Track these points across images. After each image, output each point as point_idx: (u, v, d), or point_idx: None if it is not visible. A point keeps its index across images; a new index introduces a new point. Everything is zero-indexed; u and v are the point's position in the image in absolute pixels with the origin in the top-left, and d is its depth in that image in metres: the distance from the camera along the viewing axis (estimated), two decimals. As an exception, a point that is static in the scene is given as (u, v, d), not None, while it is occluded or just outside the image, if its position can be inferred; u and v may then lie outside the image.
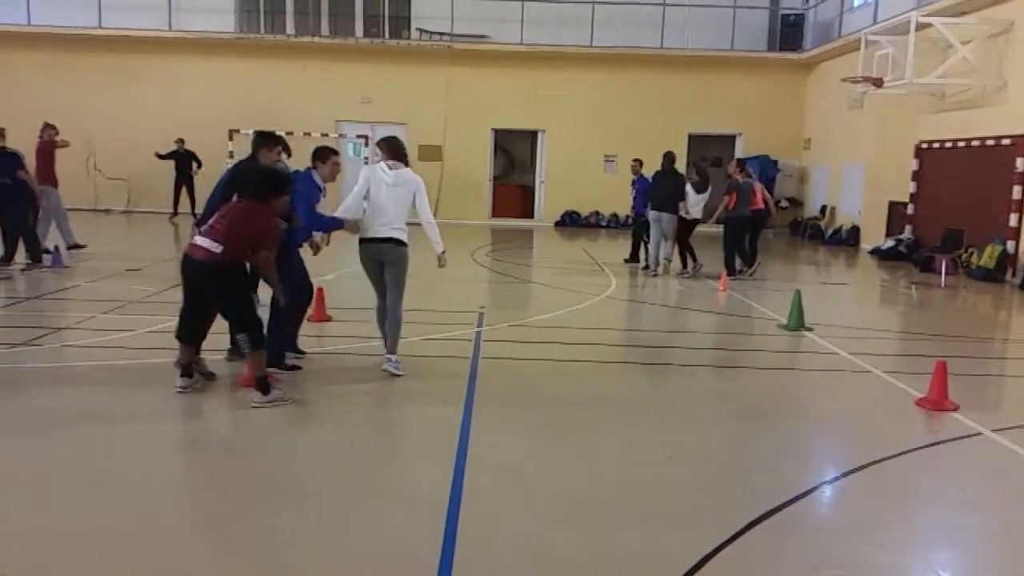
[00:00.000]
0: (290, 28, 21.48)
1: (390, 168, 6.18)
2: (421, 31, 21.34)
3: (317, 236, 6.36)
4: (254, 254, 5.37)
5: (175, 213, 19.51)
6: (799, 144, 21.87)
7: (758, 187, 13.00)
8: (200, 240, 5.32)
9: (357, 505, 4.03)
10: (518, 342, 7.71)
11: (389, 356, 6.26)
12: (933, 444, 5.30)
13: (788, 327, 8.63)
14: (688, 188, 12.67)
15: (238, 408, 5.51)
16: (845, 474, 4.72)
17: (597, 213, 21.94)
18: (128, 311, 8.47)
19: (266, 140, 6.38)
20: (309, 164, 6.34)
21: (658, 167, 12.72)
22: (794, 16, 21.52)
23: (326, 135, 19.86)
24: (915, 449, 5.12)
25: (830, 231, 19.39)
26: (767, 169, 20.57)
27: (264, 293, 5.86)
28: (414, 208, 6.25)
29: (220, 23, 20.87)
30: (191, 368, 5.66)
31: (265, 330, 5.58)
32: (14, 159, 10.80)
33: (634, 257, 13.85)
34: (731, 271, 12.21)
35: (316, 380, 6.19)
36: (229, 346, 6.40)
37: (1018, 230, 13.05)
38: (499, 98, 21.29)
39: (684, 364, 7.27)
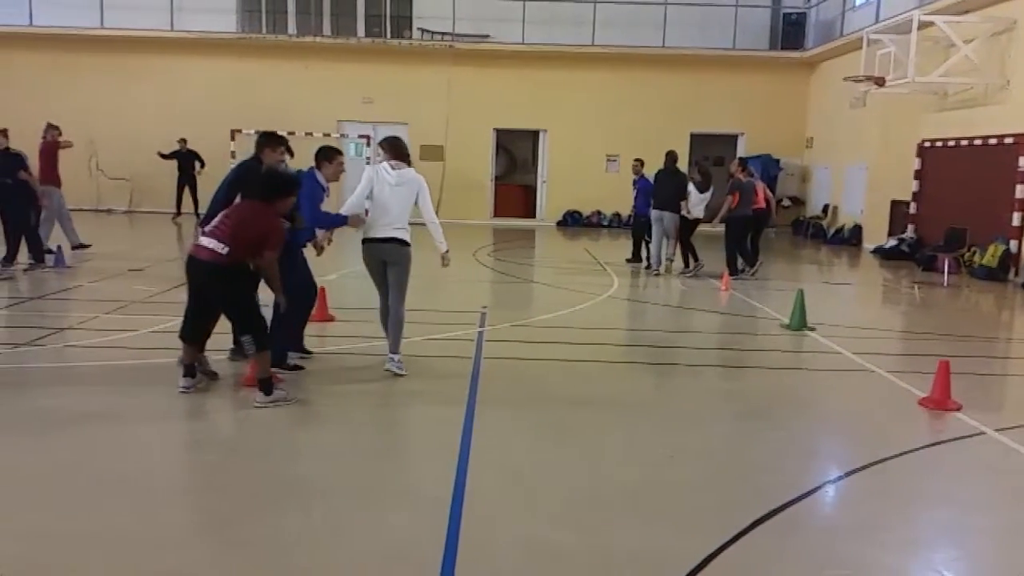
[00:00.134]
0: (292, 28, 21.49)
1: (393, 168, 6.19)
2: (423, 31, 21.34)
3: (320, 234, 6.36)
4: (258, 255, 5.37)
5: (178, 213, 19.53)
6: (801, 143, 21.85)
7: (760, 186, 12.99)
8: (205, 241, 5.32)
9: (360, 505, 4.04)
10: (520, 342, 7.71)
11: (392, 356, 6.27)
12: (936, 444, 5.29)
13: (791, 327, 8.62)
14: (690, 188, 12.66)
15: (241, 408, 5.52)
16: (848, 474, 4.72)
17: (599, 213, 21.93)
18: (131, 311, 8.48)
19: (270, 140, 6.38)
20: (312, 164, 6.36)
21: (660, 166, 12.71)
22: (796, 15, 21.50)
23: (328, 135, 19.87)
24: (918, 449, 5.12)
25: (832, 230, 19.37)
26: (769, 168, 20.55)
27: (264, 294, 5.86)
28: (416, 208, 6.25)
29: (222, 23, 20.87)
30: (194, 368, 5.67)
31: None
32: (17, 159, 10.82)
33: (636, 257, 13.85)
34: (733, 271, 12.20)
35: (319, 380, 6.19)
36: (232, 346, 6.41)
37: (1021, 229, 13.02)
38: (501, 98, 21.29)
39: (686, 364, 7.26)
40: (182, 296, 5.71)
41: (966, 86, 14.36)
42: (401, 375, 6.21)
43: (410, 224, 6.22)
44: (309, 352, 6.71)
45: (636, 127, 20.65)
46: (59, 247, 11.43)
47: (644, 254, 13.55)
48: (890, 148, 17.18)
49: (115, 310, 8.50)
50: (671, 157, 12.71)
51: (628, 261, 13.94)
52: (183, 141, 19.40)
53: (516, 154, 23.86)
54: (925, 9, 14.57)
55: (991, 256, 13.17)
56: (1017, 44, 13.31)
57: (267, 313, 5.67)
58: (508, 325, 8.42)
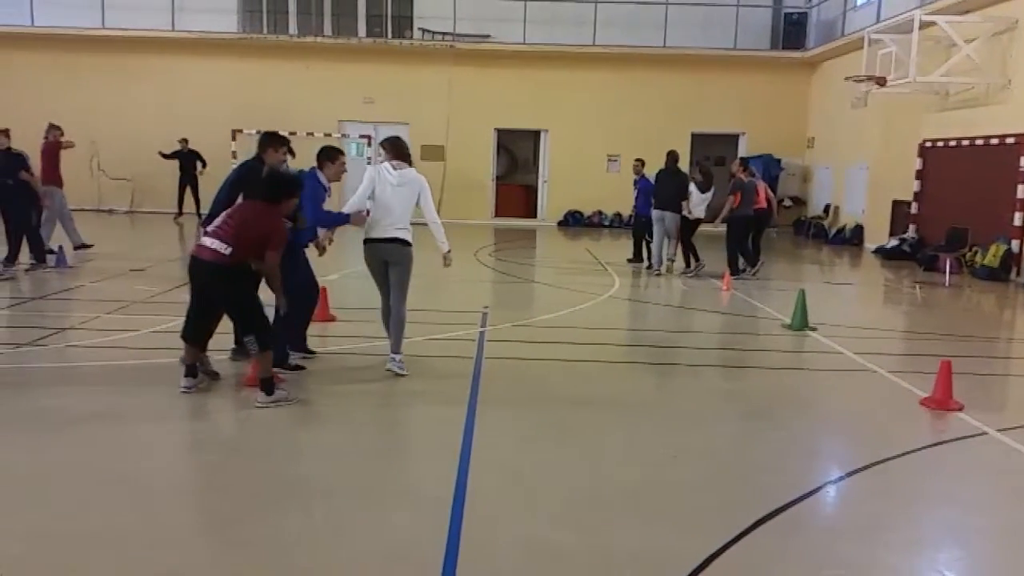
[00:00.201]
0: (293, 28, 21.49)
1: (395, 168, 6.19)
2: (424, 31, 21.34)
3: (322, 234, 6.36)
4: (260, 256, 5.37)
5: (180, 213, 19.54)
6: (802, 143, 21.84)
7: (761, 186, 12.98)
8: (208, 241, 5.33)
9: (361, 505, 4.04)
10: (522, 342, 7.71)
11: (393, 356, 6.27)
12: (938, 444, 5.29)
13: (792, 327, 8.61)
14: (692, 188, 12.66)
15: (242, 408, 5.52)
16: (850, 474, 4.71)
17: (600, 213, 21.92)
18: (132, 311, 8.48)
19: (272, 140, 6.39)
20: (313, 164, 6.36)
21: (661, 166, 12.70)
22: (797, 15, 21.49)
23: (329, 135, 19.87)
24: (920, 449, 5.11)
25: (834, 230, 19.36)
26: (770, 168, 20.55)
27: (264, 294, 5.85)
28: (418, 208, 6.25)
29: (223, 23, 20.87)
30: (196, 368, 5.67)
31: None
32: (18, 160, 10.82)
33: (637, 257, 13.84)
34: (734, 270, 12.20)
35: (320, 380, 6.19)
36: (233, 346, 6.41)
37: (1022, 229, 13.01)
38: (502, 98, 21.29)
39: (688, 364, 7.26)
40: (183, 296, 5.72)
41: (967, 86, 14.35)
42: (402, 375, 6.21)
43: (411, 224, 6.22)
44: (312, 352, 6.72)
45: (637, 127, 20.65)
46: (60, 247, 11.43)
47: (645, 254, 13.54)
48: (891, 148, 17.17)
49: (116, 310, 8.50)
50: (672, 157, 12.70)
51: (629, 261, 13.93)
52: (184, 141, 19.40)
53: (517, 154, 23.86)
54: (926, 9, 14.55)
55: (993, 256, 13.16)
56: (1018, 44, 13.30)
57: (268, 313, 5.67)
58: (509, 325, 8.41)
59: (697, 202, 12.66)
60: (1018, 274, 12.96)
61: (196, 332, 5.61)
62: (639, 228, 13.85)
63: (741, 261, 12.51)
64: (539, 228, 21.41)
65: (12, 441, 4.79)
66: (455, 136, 21.35)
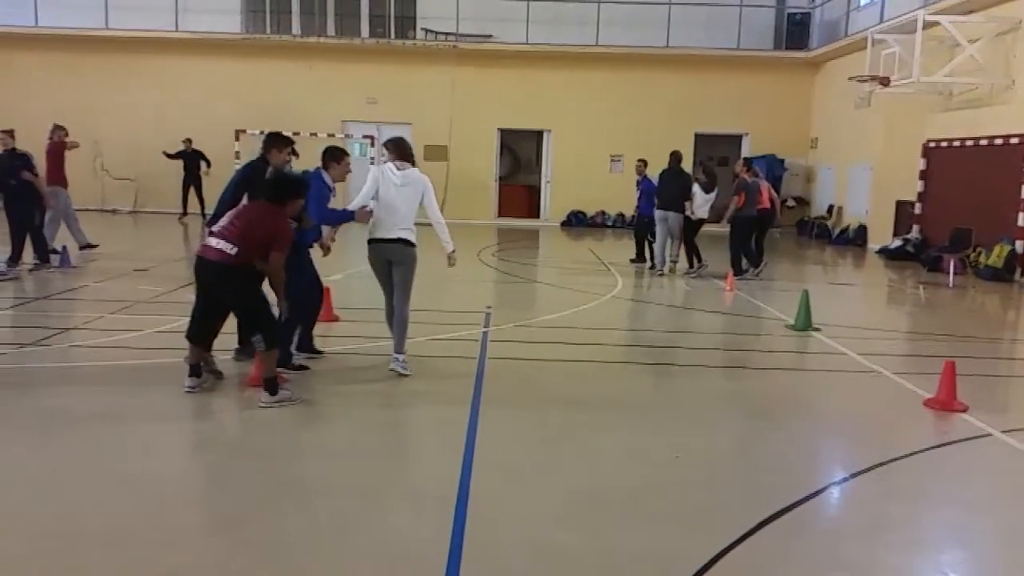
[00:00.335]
0: (296, 28, 21.51)
1: (398, 169, 6.19)
2: (427, 31, 21.35)
3: (326, 231, 6.36)
4: (266, 257, 5.38)
5: (184, 213, 19.57)
6: (806, 143, 21.82)
7: (764, 186, 12.98)
8: (214, 241, 5.34)
9: (364, 505, 4.04)
10: (525, 342, 7.71)
11: (396, 356, 6.27)
12: (942, 445, 5.27)
13: (796, 327, 8.60)
14: (696, 188, 12.64)
15: (246, 408, 5.52)
16: (853, 475, 4.70)
17: (603, 213, 21.92)
18: (136, 311, 8.50)
19: (277, 141, 6.41)
20: (318, 164, 6.37)
21: (664, 167, 12.69)
22: (800, 15, 21.47)
23: (332, 135, 19.90)
24: (924, 450, 5.10)
25: (837, 231, 19.34)
26: (774, 168, 20.52)
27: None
28: (422, 208, 6.26)
29: (226, 24, 20.90)
30: (200, 368, 5.68)
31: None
32: (22, 160, 10.84)
33: (640, 257, 13.82)
34: (738, 271, 12.18)
35: (323, 380, 6.20)
36: (237, 346, 6.43)
37: (1027, 229, 13.00)
38: (505, 98, 21.30)
39: (691, 365, 7.25)
40: (187, 296, 5.73)
41: (971, 86, 14.33)
42: (406, 375, 6.22)
43: (415, 224, 6.23)
44: (320, 352, 6.73)
45: (640, 127, 20.65)
46: (64, 247, 11.44)
47: (647, 254, 13.53)
48: (895, 148, 17.15)
49: (120, 310, 8.51)
50: (675, 157, 12.69)
51: (632, 261, 13.92)
52: (188, 141, 19.43)
53: (520, 154, 23.86)
54: (930, 9, 14.54)
55: (997, 257, 13.13)
56: (1022, 44, 13.28)
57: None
58: (512, 325, 8.41)
59: (701, 203, 12.65)
60: (1022, 275, 12.94)
61: (201, 332, 5.62)
62: (641, 228, 13.84)
63: (744, 262, 12.50)
64: (542, 228, 21.41)
65: (15, 440, 4.80)
66: (458, 136, 21.36)
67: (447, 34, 21.06)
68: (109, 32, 20.52)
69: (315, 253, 6.44)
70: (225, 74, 21.08)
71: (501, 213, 22.32)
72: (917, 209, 16.17)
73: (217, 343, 5.87)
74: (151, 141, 19.87)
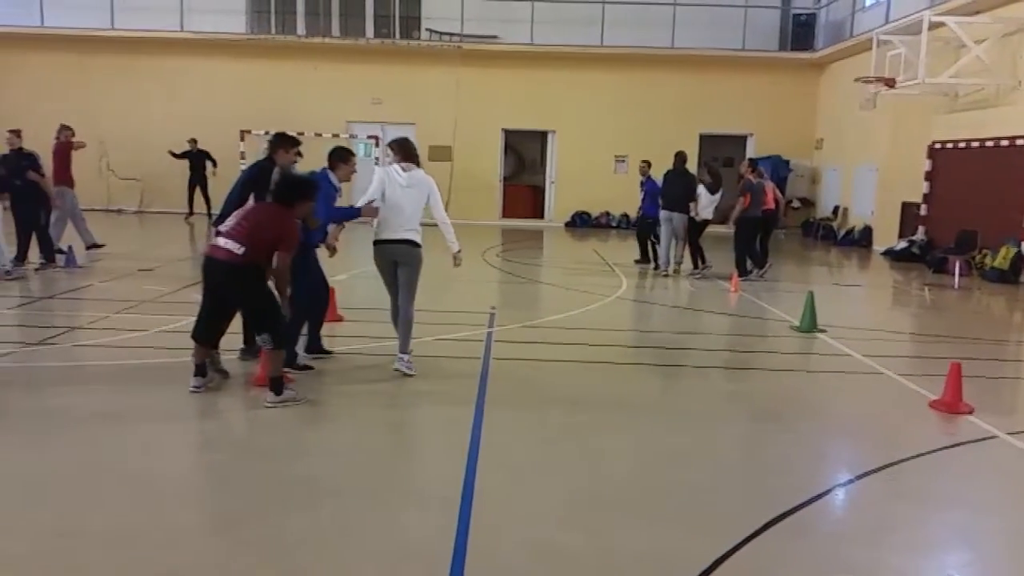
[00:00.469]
0: (301, 29, 21.55)
1: (404, 170, 6.20)
2: (431, 31, 21.36)
3: (331, 229, 6.36)
4: (270, 258, 5.39)
5: (191, 213, 19.62)
6: (811, 144, 21.78)
7: (769, 187, 12.95)
8: (222, 241, 5.36)
9: (369, 505, 4.04)
10: (529, 343, 7.71)
11: (401, 356, 6.28)
12: (948, 447, 5.25)
13: (801, 329, 8.59)
14: (701, 189, 12.62)
15: (251, 408, 5.53)
16: (859, 477, 4.69)
17: (607, 214, 21.91)
18: (141, 311, 8.51)
19: (283, 141, 6.43)
20: (324, 165, 6.38)
21: (669, 167, 12.67)
22: (805, 16, 21.43)
23: (337, 136, 19.90)
24: (930, 452, 5.08)
25: (842, 232, 19.30)
26: (779, 169, 20.49)
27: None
28: (427, 208, 6.27)
29: (231, 24, 20.94)
30: (205, 368, 5.69)
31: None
32: (29, 159, 10.88)
33: (644, 258, 13.80)
34: (742, 272, 12.16)
35: (328, 380, 6.21)
36: (242, 345, 6.44)
37: (1032, 231, 12.96)
38: (509, 98, 21.30)
39: (696, 366, 7.24)
40: (193, 296, 5.75)
41: (977, 87, 14.29)
42: (410, 375, 6.22)
43: (420, 225, 6.24)
44: (329, 352, 6.75)
45: (645, 128, 20.63)
46: (70, 247, 11.47)
47: (651, 255, 13.50)
48: (900, 149, 17.12)
49: (125, 310, 8.53)
50: (680, 158, 12.67)
51: (637, 262, 13.90)
52: (193, 141, 19.48)
53: (524, 155, 23.87)
54: (936, 10, 14.50)
55: (1002, 258, 13.09)
56: (1029, 45, 13.24)
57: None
58: (517, 326, 8.41)
59: (706, 203, 12.63)
60: (1028, 276, 12.89)
61: (207, 332, 5.63)
62: (644, 229, 13.82)
63: (748, 263, 12.48)
64: (546, 229, 21.40)
65: (20, 440, 4.81)
66: (462, 137, 21.36)
67: (452, 34, 21.07)
68: (115, 32, 20.57)
69: (322, 254, 6.45)
70: (230, 74, 21.12)
71: (505, 214, 22.32)
72: (923, 210, 16.13)
73: (223, 342, 5.87)
74: (157, 141, 19.94)
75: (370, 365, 6.63)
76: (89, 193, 17.76)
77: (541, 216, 22.50)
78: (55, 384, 6.01)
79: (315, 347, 6.64)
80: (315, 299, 6.42)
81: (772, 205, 12.81)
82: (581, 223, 21.92)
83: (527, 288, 12.09)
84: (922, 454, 5.00)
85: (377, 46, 21.13)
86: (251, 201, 6.17)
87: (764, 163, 16.99)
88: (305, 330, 6.54)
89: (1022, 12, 13.45)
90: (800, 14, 21.47)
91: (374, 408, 5.73)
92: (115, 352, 6.83)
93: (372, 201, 6.12)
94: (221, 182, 16.33)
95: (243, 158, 18.71)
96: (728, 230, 12.90)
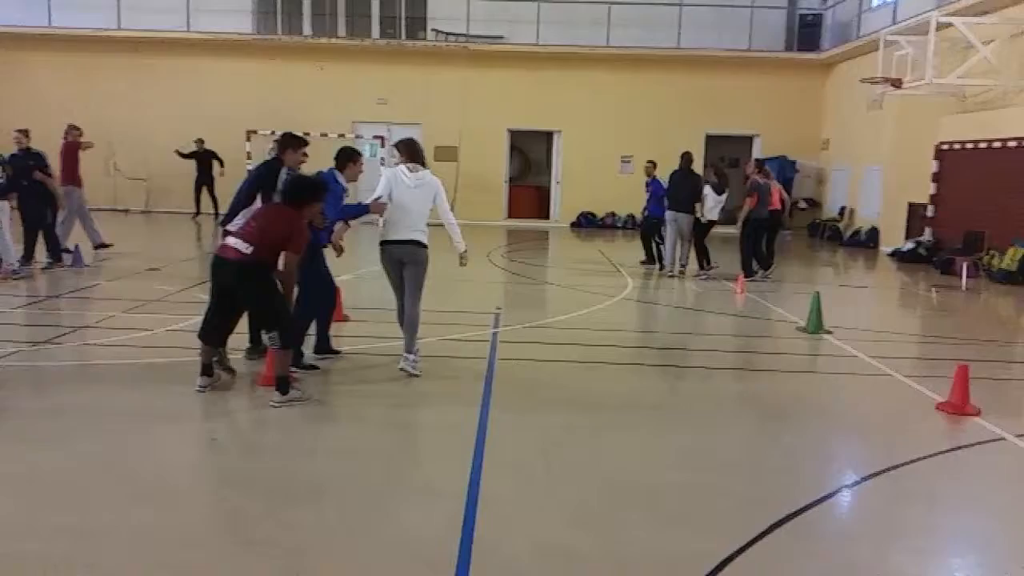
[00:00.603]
0: (307, 29, 21.58)
1: (410, 171, 6.21)
2: (437, 32, 21.38)
3: (337, 228, 6.37)
4: (277, 258, 5.40)
5: (197, 212, 19.67)
6: (817, 145, 21.73)
7: (775, 187, 12.93)
8: (231, 241, 5.38)
9: (375, 504, 4.04)
10: (535, 343, 7.71)
11: (406, 355, 6.28)
12: (954, 449, 5.23)
13: (807, 330, 8.57)
14: (707, 190, 12.59)
15: (257, 408, 5.54)
16: (865, 478, 4.68)
17: (613, 214, 21.88)
18: (148, 310, 8.53)
19: (292, 141, 6.45)
20: (331, 165, 6.39)
21: (675, 168, 12.64)
22: (812, 16, 21.38)
23: (343, 136, 19.93)
24: (936, 454, 5.06)
25: (849, 233, 19.24)
26: (785, 170, 20.45)
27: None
28: (434, 208, 6.28)
29: (238, 24, 20.99)
30: (212, 367, 5.70)
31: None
32: (36, 159, 10.92)
33: (650, 258, 13.78)
34: (748, 273, 12.14)
35: (334, 379, 6.22)
36: (248, 345, 6.45)
37: (1040, 232, 12.90)
38: (515, 99, 21.30)
39: (702, 366, 7.22)
40: (199, 295, 5.77)
41: (985, 88, 14.23)
42: (416, 375, 6.23)
43: (427, 226, 6.25)
44: (337, 352, 6.76)
45: (651, 128, 20.61)
46: (77, 246, 11.51)
47: (655, 255, 13.48)
48: (907, 150, 17.06)
49: (132, 309, 8.55)
50: (686, 158, 12.65)
51: (643, 263, 13.88)
52: (200, 141, 19.52)
53: (530, 155, 23.86)
54: (944, 10, 14.45)
55: (1010, 259, 13.03)
56: (1037, 45, 13.19)
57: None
58: (522, 326, 8.41)
59: (712, 204, 12.61)
60: (1035, 278, 12.83)
61: (214, 332, 5.65)
62: (648, 230, 13.80)
63: (754, 263, 12.45)
64: (552, 229, 21.39)
65: (28, 439, 4.82)
66: (468, 137, 21.37)
67: (458, 35, 21.08)
68: (122, 32, 20.63)
69: (329, 254, 6.46)
70: (236, 74, 21.16)
71: (511, 214, 22.32)
72: (930, 211, 16.06)
73: (230, 342, 5.88)
74: (163, 141, 19.99)
75: (376, 365, 6.64)
76: (96, 193, 17.83)
77: (546, 217, 22.49)
78: (62, 383, 6.03)
79: (323, 347, 6.66)
80: (322, 299, 6.43)
81: (778, 205, 12.79)
82: (586, 224, 21.90)
83: (532, 289, 12.09)
84: (929, 456, 4.99)
85: (383, 46, 21.16)
86: (259, 201, 6.20)
87: (770, 164, 16.98)
88: (312, 330, 6.56)
89: (1030, 12, 13.41)
90: (807, 14, 21.42)
91: (380, 408, 5.74)
92: (122, 351, 6.85)
93: (379, 197, 6.14)
94: (228, 182, 16.37)
95: (249, 158, 18.76)
96: (734, 231, 12.86)
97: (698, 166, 15.20)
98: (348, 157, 6.38)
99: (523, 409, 5.70)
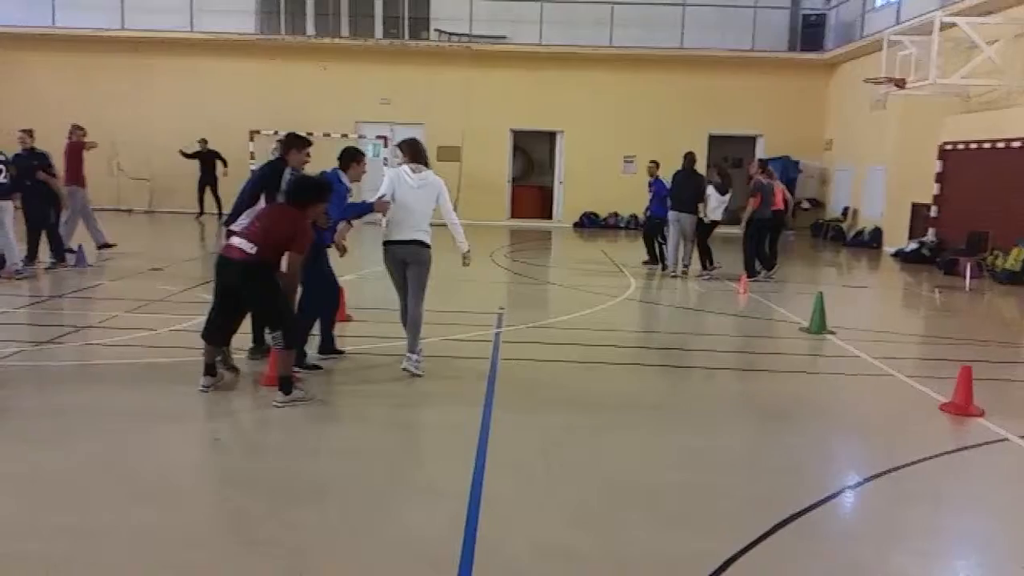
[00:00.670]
0: (310, 29, 21.60)
1: (413, 171, 6.21)
2: (440, 32, 21.39)
3: (340, 227, 6.38)
4: (280, 258, 5.41)
5: (201, 212, 19.70)
6: (820, 145, 21.70)
7: (779, 187, 12.91)
8: (236, 241, 5.40)
9: (377, 504, 4.04)
10: (537, 343, 7.71)
11: (409, 355, 6.29)
12: (957, 450, 5.23)
13: (810, 330, 8.56)
14: (710, 190, 12.58)
15: (260, 408, 5.54)
16: (868, 478, 4.68)
17: (616, 214, 21.87)
18: (151, 310, 8.54)
19: (295, 142, 6.46)
20: (335, 165, 6.40)
21: (678, 168, 12.63)
22: (815, 16, 21.36)
23: (346, 136, 19.94)
24: (939, 455, 5.05)
25: (852, 233, 19.22)
26: (788, 170, 20.41)
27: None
28: (437, 208, 6.28)
29: (240, 24, 21.01)
30: (215, 367, 5.71)
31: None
32: (40, 159, 10.94)
33: (653, 259, 13.77)
34: (751, 273, 12.13)
35: (337, 379, 6.22)
36: (251, 345, 6.46)
37: (1044, 233, 12.87)
38: (518, 99, 21.29)
39: (705, 367, 7.22)
40: (202, 295, 5.77)
41: (989, 88, 14.20)
42: (418, 375, 6.23)
43: (430, 226, 6.25)
44: (341, 352, 6.77)
45: (653, 128, 20.58)
46: (80, 246, 11.52)
47: (658, 255, 13.47)
48: (911, 150, 17.03)
49: (135, 309, 8.56)
50: (690, 158, 12.63)
51: (645, 263, 13.87)
52: (203, 141, 19.55)
53: (533, 155, 23.86)
54: (947, 10, 14.42)
55: (1014, 260, 13.00)
56: (1041, 45, 13.16)
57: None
58: (525, 326, 8.41)
59: (715, 204, 12.59)
60: (1039, 278, 12.80)
61: (217, 332, 5.65)
62: (650, 230, 13.79)
63: (757, 264, 12.44)
64: (555, 229, 21.39)
65: (31, 439, 4.83)
66: (471, 137, 21.37)
67: (460, 35, 21.08)
68: (125, 33, 20.66)
69: (332, 254, 6.46)
70: (239, 74, 21.18)
71: (514, 214, 22.32)
72: (933, 212, 16.03)
73: (233, 341, 5.88)
74: (166, 141, 20.01)
75: (379, 365, 6.64)
76: (99, 193, 17.85)
77: (549, 217, 22.48)
78: (65, 383, 6.04)
79: (328, 347, 6.66)
80: (325, 299, 6.44)
81: (781, 205, 12.77)
82: (589, 224, 21.88)
83: (535, 289, 12.09)
84: (932, 457, 4.98)
85: (386, 46, 21.16)
86: (262, 201, 6.20)
87: (774, 164, 16.93)
88: (316, 330, 6.56)
89: (1034, 13, 13.38)
90: (810, 14, 21.40)
91: (383, 408, 5.74)
92: (125, 351, 6.86)
93: (383, 196, 6.14)
94: (231, 182, 16.38)
95: (252, 158, 18.78)
96: (737, 231, 12.85)
97: (701, 166, 15.20)
98: (352, 157, 6.39)
99: (525, 409, 5.70)
